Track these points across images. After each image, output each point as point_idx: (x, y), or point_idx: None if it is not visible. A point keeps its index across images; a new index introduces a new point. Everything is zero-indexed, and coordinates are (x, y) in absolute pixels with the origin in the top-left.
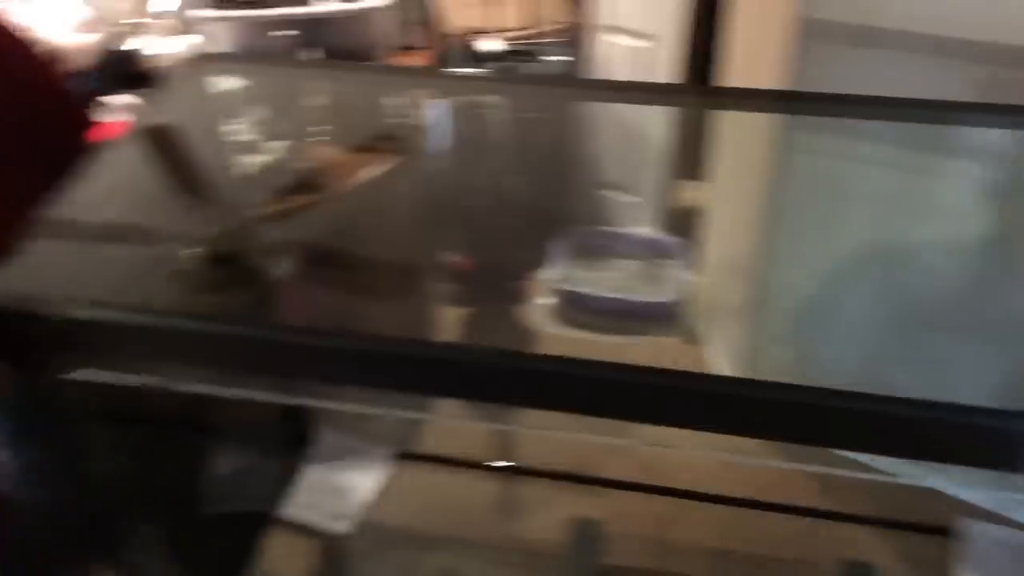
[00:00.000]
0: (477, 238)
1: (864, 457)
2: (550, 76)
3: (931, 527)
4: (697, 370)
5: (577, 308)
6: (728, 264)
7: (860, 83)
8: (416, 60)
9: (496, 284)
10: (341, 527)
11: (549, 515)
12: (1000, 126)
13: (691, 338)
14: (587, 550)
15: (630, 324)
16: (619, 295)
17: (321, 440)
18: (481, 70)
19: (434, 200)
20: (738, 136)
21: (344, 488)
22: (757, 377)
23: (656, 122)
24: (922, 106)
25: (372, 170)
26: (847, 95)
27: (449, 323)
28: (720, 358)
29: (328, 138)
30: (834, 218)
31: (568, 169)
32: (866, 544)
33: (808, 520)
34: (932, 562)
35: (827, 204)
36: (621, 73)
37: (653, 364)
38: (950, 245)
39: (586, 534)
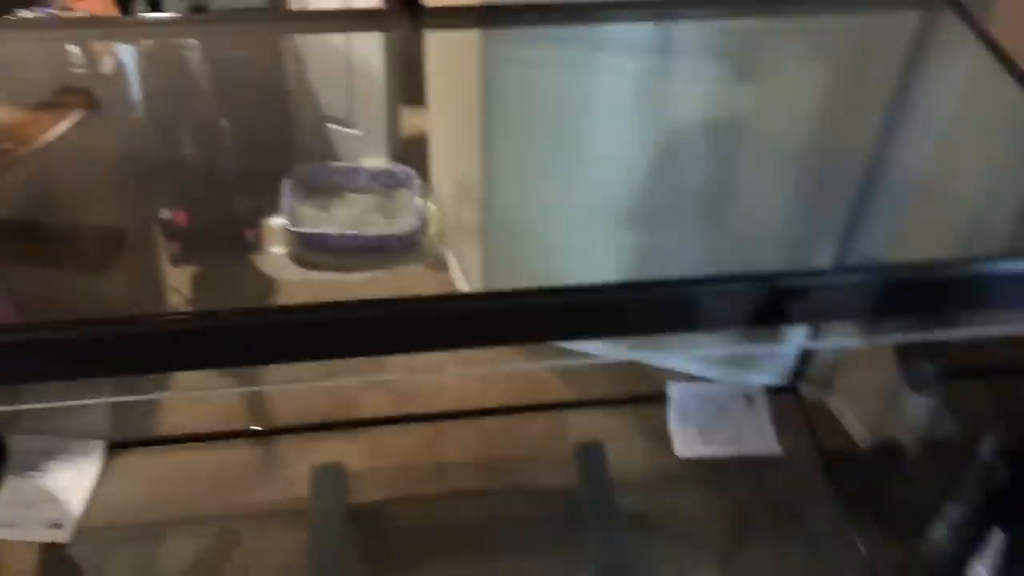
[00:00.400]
0: (193, 189)
1: (593, 347)
2: (248, 11)
3: (650, 396)
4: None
5: (314, 249)
6: (458, 186)
7: None
8: (93, 4)
9: (222, 236)
10: (61, 536)
11: (303, 471)
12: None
13: (435, 265)
14: (330, 496)
15: (371, 259)
16: (356, 231)
17: (16, 447)
18: (169, 14)
19: (135, 154)
20: (447, 56)
21: (54, 493)
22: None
23: (367, 50)
24: (613, 7)
25: (58, 128)
26: (541, 4)
27: (175, 286)
28: (464, 280)
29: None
30: (547, 125)
31: (283, 107)
32: (601, 425)
33: (557, 413)
34: (655, 427)
35: (538, 112)
36: None
37: (398, 296)
38: (655, 138)
39: (327, 480)
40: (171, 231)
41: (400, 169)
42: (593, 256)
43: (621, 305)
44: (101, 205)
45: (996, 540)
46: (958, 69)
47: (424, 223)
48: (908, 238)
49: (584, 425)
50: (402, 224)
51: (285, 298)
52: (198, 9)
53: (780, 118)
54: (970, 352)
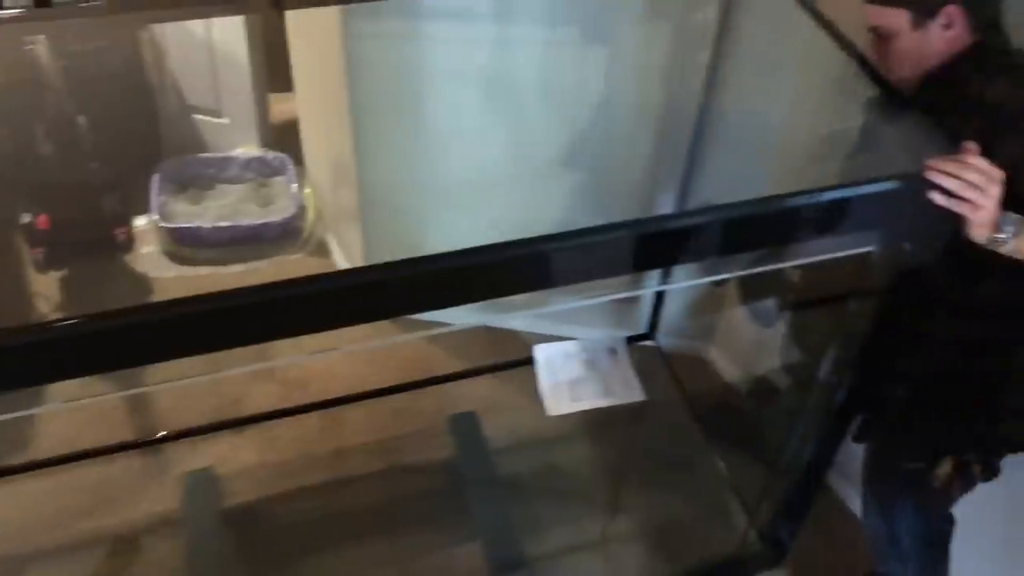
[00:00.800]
0: (55, 192)
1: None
2: (96, 5)
3: (520, 361)
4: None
5: (188, 244)
6: (333, 168)
7: None
8: None
9: (89, 238)
10: None
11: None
12: None
13: (316, 250)
14: (202, 502)
15: (249, 249)
16: (230, 222)
17: None
18: (11, 11)
19: None
20: (309, 36)
21: None
22: None
23: (229, 36)
24: None
25: None
26: None
27: (43, 293)
28: (346, 262)
29: None
30: (412, 98)
31: (146, 100)
32: (481, 394)
33: (442, 387)
34: (528, 389)
35: (403, 86)
36: None
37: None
38: (511, 103)
39: (198, 487)
40: (34, 237)
41: (273, 156)
42: (469, 223)
43: (482, 269)
44: None
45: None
46: (768, 21)
47: (301, 208)
48: (741, 180)
49: (465, 396)
50: (278, 211)
51: (161, 296)
52: (42, 3)
53: (618, 77)
54: (807, 283)
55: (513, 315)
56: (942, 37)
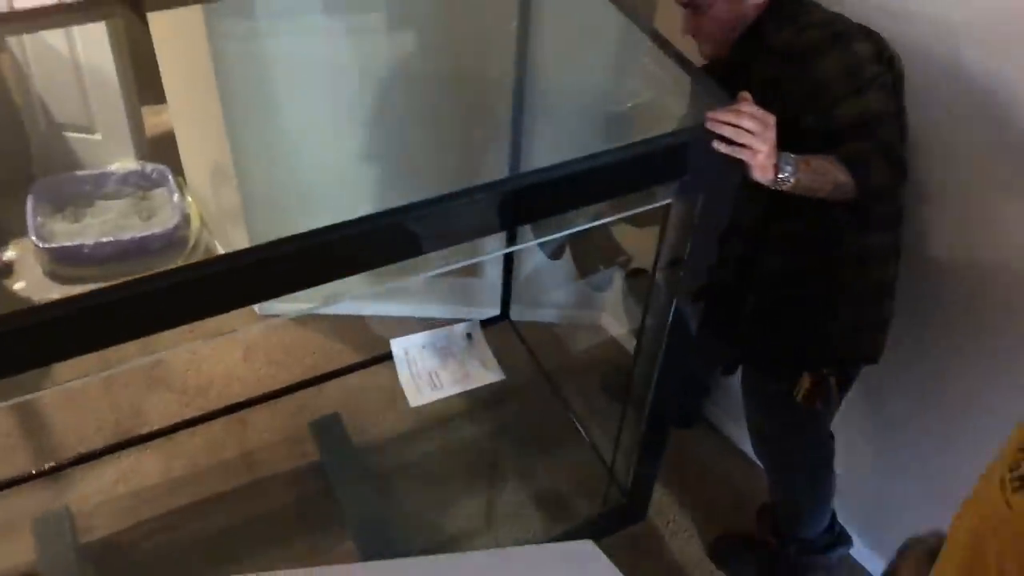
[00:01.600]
0: None
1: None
2: None
3: (382, 356)
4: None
5: (71, 263)
6: (212, 173)
7: None
8: None
9: None
10: None
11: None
12: None
13: (203, 257)
14: (53, 542)
15: (135, 263)
16: (114, 236)
17: None
18: None
19: None
20: (174, 41)
21: None
22: None
23: (93, 48)
24: None
25: None
26: None
27: None
28: None
29: None
30: (279, 93)
31: (10, 120)
32: (348, 394)
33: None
34: (385, 386)
35: (269, 83)
36: None
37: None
38: (368, 90)
39: (49, 527)
40: None
41: (152, 168)
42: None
43: (342, 243)
44: None
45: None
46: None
47: (185, 217)
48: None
49: (328, 396)
50: (161, 222)
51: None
52: None
53: (448, 60)
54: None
55: (362, 302)
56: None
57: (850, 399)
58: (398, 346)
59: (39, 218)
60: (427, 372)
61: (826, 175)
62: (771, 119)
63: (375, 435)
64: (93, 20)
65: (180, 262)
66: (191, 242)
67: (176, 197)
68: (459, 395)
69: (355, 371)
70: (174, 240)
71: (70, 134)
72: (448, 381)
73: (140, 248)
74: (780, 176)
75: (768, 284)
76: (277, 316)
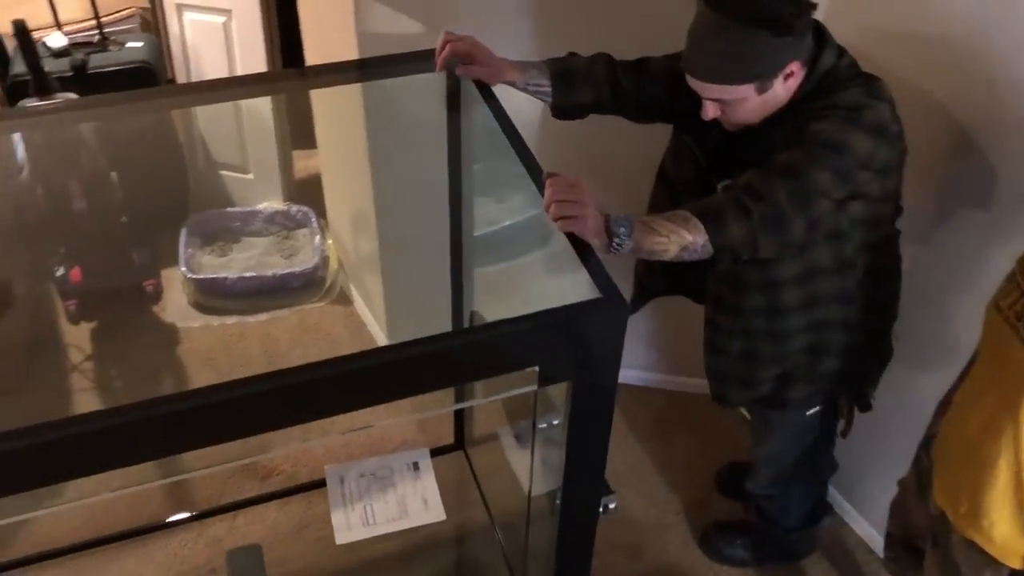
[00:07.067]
0: (90, 247)
1: None
2: (132, 93)
3: (314, 483)
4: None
5: (214, 295)
6: (353, 220)
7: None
8: None
9: (119, 290)
10: None
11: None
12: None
13: (338, 299)
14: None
15: (273, 299)
16: (256, 272)
17: None
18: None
19: (29, 222)
20: (325, 92)
21: None
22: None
23: (254, 104)
24: None
25: None
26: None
27: (75, 344)
28: (367, 311)
29: None
30: (420, 160)
31: (174, 159)
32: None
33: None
34: (318, 514)
35: (411, 149)
36: (205, 49)
37: (309, 333)
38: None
39: (243, 563)
40: (67, 289)
41: (296, 209)
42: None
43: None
44: None
45: None
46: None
47: (324, 259)
48: None
49: (255, 524)
50: (301, 262)
51: (188, 344)
52: (79, 68)
53: None
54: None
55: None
56: (785, 87)
57: None
58: (334, 474)
59: (190, 249)
60: (361, 505)
61: (673, 234)
62: (577, 180)
63: (293, 571)
64: (266, 94)
65: (316, 301)
66: (327, 283)
67: (318, 239)
68: (397, 533)
69: (292, 495)
70: (313, 280)
71: (225, 172)
72: (383, 518)
73: (280, 285)
74: (614, 241)
75: (751, 335)
76: None
